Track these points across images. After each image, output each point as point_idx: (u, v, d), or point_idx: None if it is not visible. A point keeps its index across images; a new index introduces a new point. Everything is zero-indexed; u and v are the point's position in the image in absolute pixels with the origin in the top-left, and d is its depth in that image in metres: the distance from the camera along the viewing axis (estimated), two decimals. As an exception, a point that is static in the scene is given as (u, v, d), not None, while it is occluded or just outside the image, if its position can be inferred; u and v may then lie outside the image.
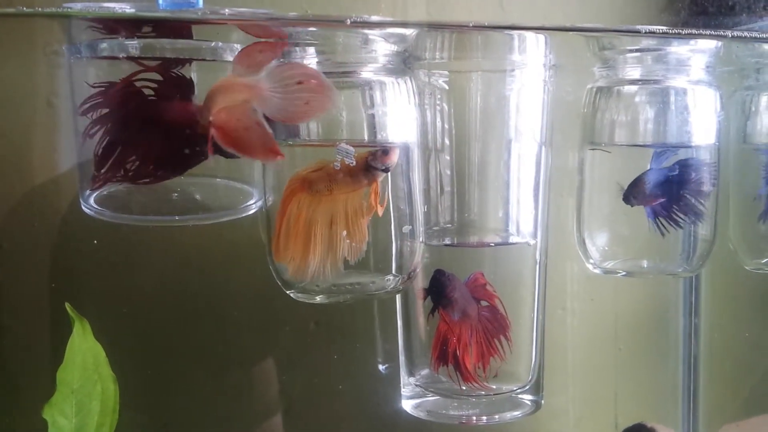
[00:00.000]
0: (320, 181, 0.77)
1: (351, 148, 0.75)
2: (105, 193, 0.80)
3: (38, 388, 0.84)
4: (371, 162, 0.76)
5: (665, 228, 0.94)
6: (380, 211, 0.79)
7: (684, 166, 0.93)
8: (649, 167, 0.93)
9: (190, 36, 0.79)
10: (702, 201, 0.93)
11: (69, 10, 0.76)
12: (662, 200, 0.93)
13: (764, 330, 1.18)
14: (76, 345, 0.83)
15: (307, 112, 0.71)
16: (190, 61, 0.79)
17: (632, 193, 0.93)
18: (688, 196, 0.93)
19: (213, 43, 0.80)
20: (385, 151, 0.76)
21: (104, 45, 0.77)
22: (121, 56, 0.77)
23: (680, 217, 0.93)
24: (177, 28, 0.78)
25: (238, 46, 0.81)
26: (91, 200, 0.81)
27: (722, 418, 1.21)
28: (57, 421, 0.82)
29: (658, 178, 0.93)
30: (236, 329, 1.02)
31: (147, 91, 0.77)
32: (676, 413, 1.23)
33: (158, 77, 0.77)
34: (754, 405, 1.21)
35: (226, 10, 0.75)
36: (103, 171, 0.77)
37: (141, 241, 0.97)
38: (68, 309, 0.82)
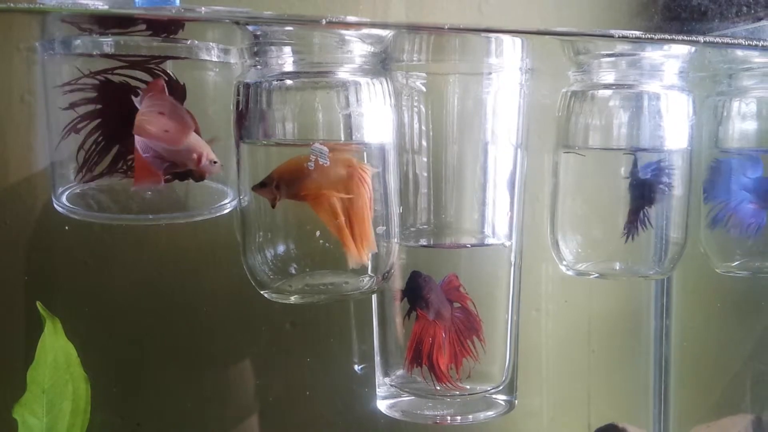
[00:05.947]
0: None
1: (325, 148, 0.75)
2: (78, 191, 0.80)
3: (9, 387, 0.83)
4: None
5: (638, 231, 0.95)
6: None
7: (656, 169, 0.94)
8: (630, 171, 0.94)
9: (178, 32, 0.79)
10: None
11: (42, 6, 0.75)
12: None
13: (734, 332, 1.20)
14: (47, 344, 0.82)
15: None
16: (165, 58, 0.79)
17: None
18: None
19: (188, 42, 0.80)
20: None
21: (78, 42, 0.77)
22: (94, 53, 0.76)
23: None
24: (166, 24, 0.78)
25: (213, 45, 0.81)
26: (64, 198, 0.80)
27: (693, 419, 1.22)
28: (27, 421, 0.81)
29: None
30: (211, 329, 1.01)
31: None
32: (647, 414, 1.24)
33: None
34: (724, 406, 1.22)
35: (203, 9, 0.75)
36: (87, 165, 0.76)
37: (114, 240, 0.96)
38: (39, 308, 0.82)
